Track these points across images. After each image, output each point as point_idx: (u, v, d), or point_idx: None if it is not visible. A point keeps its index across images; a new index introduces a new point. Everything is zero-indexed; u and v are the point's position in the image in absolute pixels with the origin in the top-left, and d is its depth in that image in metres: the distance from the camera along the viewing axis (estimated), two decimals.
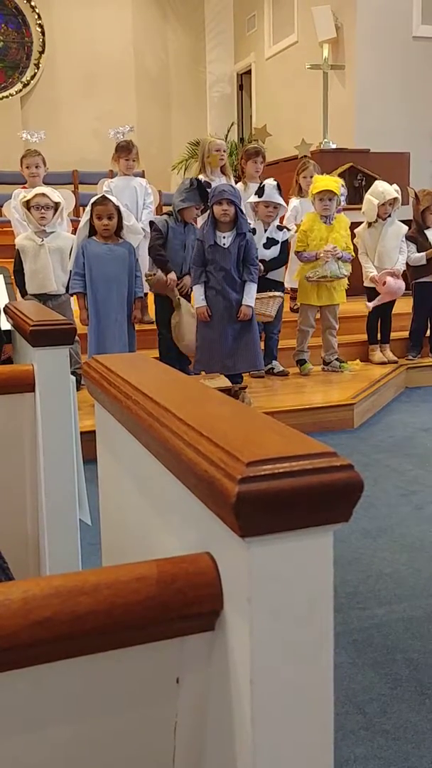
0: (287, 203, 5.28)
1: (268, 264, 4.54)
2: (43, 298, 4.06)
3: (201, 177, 5.15)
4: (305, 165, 5.58)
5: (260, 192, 4.49)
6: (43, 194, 4.09)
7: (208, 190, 4.19)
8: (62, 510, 1.59)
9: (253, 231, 4.47)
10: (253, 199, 4.53)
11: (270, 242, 4.53)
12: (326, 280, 4.62)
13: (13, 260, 4.20)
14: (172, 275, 4.22)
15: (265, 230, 4.53)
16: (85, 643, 0.63)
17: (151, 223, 4.39)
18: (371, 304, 4.99)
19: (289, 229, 4.72)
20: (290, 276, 5.04)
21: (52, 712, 0.68)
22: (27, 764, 0.69)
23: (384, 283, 4.85)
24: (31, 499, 1.65)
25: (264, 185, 4.49)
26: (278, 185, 4.52)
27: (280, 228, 4.61)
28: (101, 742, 0.72)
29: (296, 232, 4.82)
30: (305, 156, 5.99)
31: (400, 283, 4.91)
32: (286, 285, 4.95)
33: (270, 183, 4.49)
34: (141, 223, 4.87)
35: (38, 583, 0.63)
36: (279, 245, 4.57)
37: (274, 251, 4.56)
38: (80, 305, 4.09)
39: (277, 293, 4.52)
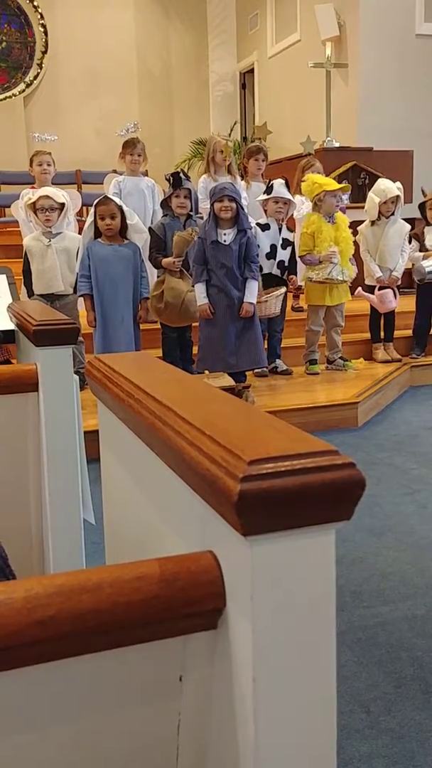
0: None
1: (288, 266, 4.56)
2: (51, 298, 4.07)
3: (205, 176, 5.17)
4: (310, 162, 5.55)
5: (269, 190, 4.49)
6: (48, 196, 4.09)
7: (182, 177, 4.25)
8: (66, 509, 1.60)
9: (267, 227, 4.47)
10: (263, 197, 4.53)
11: (285, 243, 4.53)
12: (329, 282, 4.59)
13: (19, 259, 4.21)
14: (169, 259, 4.25)
15: (280, 228, 4.52)
16: (88, 641, 0.63)
17: (150, 230, 4.39)
18: (363, 293, 4.91)
19: (291, 230, 4.69)
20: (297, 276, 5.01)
21: (55, 710, 0.68)
22: (30, 763, 0.70)
23: (384, 289, 4.83)
24: (35, 499, 1.66)
25: (272, 183, 4.50)
26: (287, 182, 4.52)
27: (289, 229, 4.60)
28: (104, 741, 0.72)
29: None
30: (310, 153, 5.96)
31: (395, 301, 4.88)
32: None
33: (278, 181, 4.51)
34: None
35: (41, 582, 0.63)
36: (292, 246, 4.57)
37: (289, 251, 4.56)
38: (87, 307, 4.09)
39: (279, 290, 4.50)
